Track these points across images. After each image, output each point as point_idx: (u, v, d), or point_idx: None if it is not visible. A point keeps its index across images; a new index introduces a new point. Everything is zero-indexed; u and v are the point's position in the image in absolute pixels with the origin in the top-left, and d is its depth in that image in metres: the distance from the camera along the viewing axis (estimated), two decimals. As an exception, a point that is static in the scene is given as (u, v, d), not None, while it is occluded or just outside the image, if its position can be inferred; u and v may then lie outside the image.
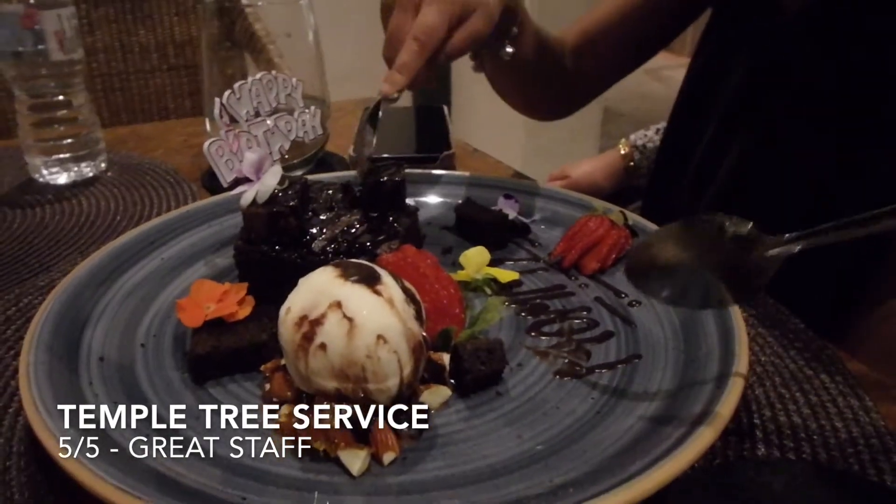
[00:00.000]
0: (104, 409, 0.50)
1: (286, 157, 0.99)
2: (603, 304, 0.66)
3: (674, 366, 0.55)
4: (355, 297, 0.46)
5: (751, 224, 0.48)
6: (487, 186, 0.83)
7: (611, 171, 1.41)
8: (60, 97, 0.93)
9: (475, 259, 0.67)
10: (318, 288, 0.48)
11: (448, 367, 0.53)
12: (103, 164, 1.02)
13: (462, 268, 0.68)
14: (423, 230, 0.77)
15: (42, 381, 0.50)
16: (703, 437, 0.45)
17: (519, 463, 0.47)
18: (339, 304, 0.46)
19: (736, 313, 0.57)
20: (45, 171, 0.98)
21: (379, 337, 0.46)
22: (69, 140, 0.96)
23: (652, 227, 0.73)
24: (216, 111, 0.59)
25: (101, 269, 0.65)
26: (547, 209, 0.80)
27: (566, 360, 0.58)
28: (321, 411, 0.46)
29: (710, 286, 0.53)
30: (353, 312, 0.46)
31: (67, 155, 0.97)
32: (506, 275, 0.67)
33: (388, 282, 0.48)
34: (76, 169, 0.99)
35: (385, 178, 0.66)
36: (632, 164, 1.40)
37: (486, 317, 0.58)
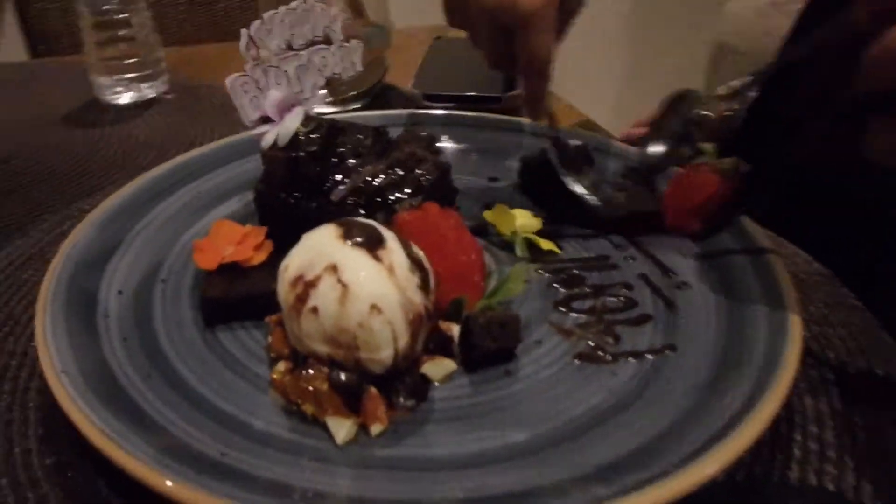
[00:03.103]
0: (113, 340, 0.50)
1: (342, 87, 0.97)
2: (647, 282, 0.60)
3: (710, 365, 0.50)
4: (353, 261, 0.44)
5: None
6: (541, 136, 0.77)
7: None
8: (123, 15, 0.93)
9: (508, 219, 0.63)
10: (317, 247, 0.45)
11: (457, 339, 0.50)
12: (165, 86, 1.03)
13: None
14: (470, 182, 0.73)
15: (57, 311, 0.51)
16: (726, 450, 0.41)
17: (509, 452, 0.43)
18: (334, 268, 0.43)
19: (792, 304, 0.51)
20: (107, 91, 0.99)
21: (373, 306, 0.43)
22: (131, 60, 0.97)
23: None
24: (242, 43, 0.56)
25: (134, 199, 0.65)
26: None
27: (590, 343, 0.53)
28: (312, 373, 0.44)
29: None
30: (348, 278, 0.43)
31: (129, 75, 0.98)
32: (545, 243, 0.63)
33: (391, 246, 0.45)
34: (138, 89, 1.00)
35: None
36: (729, 114, 1.28)
37: (508, 286, 0.54)
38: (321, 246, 0.45)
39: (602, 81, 2.57)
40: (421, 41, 1.19)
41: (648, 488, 0.38)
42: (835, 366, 0.54)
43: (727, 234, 0.62)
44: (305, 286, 0.44)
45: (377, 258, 0.44)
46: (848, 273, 0.64)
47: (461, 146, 0.80)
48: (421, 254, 0.48)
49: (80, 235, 0.59)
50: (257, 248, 0.56)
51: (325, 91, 0.95)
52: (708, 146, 0.68)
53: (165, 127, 0.93)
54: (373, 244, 0.45)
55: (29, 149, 0.87)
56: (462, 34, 0.72)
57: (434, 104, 0.93)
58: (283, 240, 0.55)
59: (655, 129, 0.68)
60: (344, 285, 0.43)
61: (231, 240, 0.57)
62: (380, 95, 1.00)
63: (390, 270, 0.44)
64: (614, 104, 2.59)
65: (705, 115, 0.61)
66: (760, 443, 0.45)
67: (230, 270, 0.55)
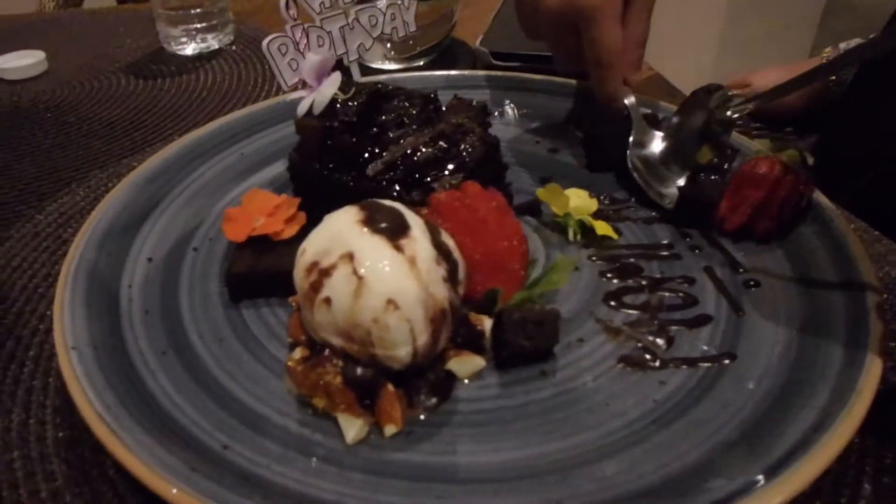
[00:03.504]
0: (134, 312, 0.49)
1: (410, 42, 0.92)
2: (712, 277, 0.54)
3: (772, 383, 0.44)
4: (371, 251, 0.40)
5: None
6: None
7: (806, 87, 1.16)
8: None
9: (562, 199, 0.57)
10: (335, 233, 0.42)
11: (488, 334, 0.46)
12: (230, 37, 1.01)
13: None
14: (528, 152, 0.68)
15: (80, 280, 0.50)
16: (779, 489, 0.35)
17: (530, 468, 0.39)
18: (351, 257, 0.40)
19: (877, 324, 0.44)
20: (173, 42, 0.98)
21: (389, 301, 0.39)
22: (196, 10, 0.95)
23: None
24: (282, 2, 0.52)
25: (175, 161, 0.64)
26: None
27: (639, 345, 0.48)
28: (325, 365, 0.41)
29: None
30: (364, 269, 0.39)
31: (195, 25, 0.96)
32: (601, 226, 0.57)
33: (415, 235, 0.41)
34: (202, 40, 0.98)
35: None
36: (834, 80, 1.15)
37: (552, 278, 0.49)
38: (339, 231, 0.41)
39: (699, 40, 2.40)
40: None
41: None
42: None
43: (811, 230, 0.55)
44: (320, 274, 0.40)
45: (398, 248, 0.40)
46: None
47: (523, 112, 0.75)
48: (450, 242, 0.44)
49: (113, 200, 0.58)
50: (289, 220, 0.53)
51: (388, 46, 0.91)
52: (760, 143, 0.63)
53: (227, 79, 0.91)
54: (395, 232, 0.41)
55: (88, 99, 0.87)
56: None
57: (502, 63, 0.87)
58: (318, 212, 0.52)
59: (676, 129, 0.64)
60: (359, 277, 0.39)
61: (263, 210, 0.54)
62: (446, 52, 0.94)
63: (412, 262, 0.40)
64: (715, 52, 2.41)
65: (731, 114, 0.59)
66: (825, 473, 0.39)
67: (259, 243, 0.53)
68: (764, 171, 0.55)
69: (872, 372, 0.41)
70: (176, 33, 0.97)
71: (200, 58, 0.97)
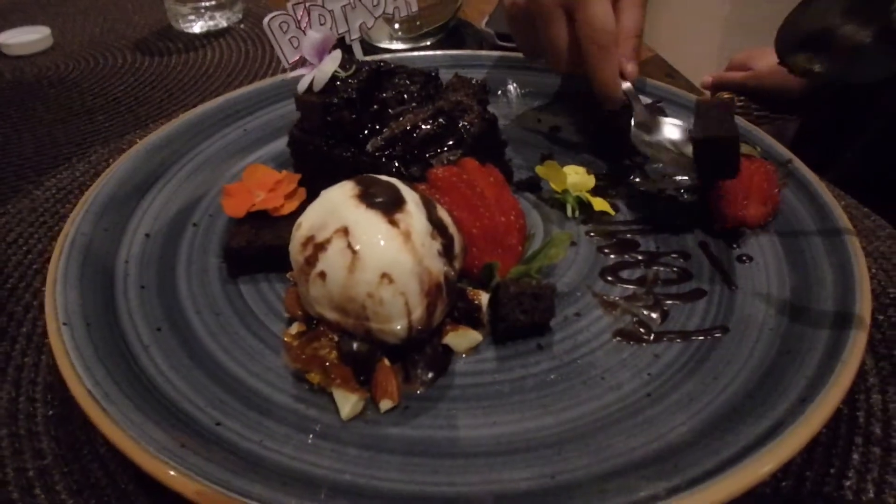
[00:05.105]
0: (130, 288, 0.49)
1: (418, 24, 0.92)
2: (707, 252, 0.54)
3: (763, 352, 0.45)
4: (366, 224, 0.40)
5: None
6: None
7: None
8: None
9: (560, 176, 0.58)
10: (331, 207, 0.42)
11: (485, 309, 0.46)
12: (239, 15, 1.01)
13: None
14: (530, 131, 0.68)
15: (75, 255, 0.50)
16: (768, 458, 0.36)
17: (527, 442, 0.40)
18: (346, 231, 0.40)
19: (864, 295, 0.45)
20: (181, 19, 0.98)
21: (384, 275, 0.39)
22: None
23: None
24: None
25: (177, 136, 0.64)
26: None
27: (634, 319, 0.48)
28: (321, 340, 0.42)
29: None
30: (358, 243, 0.40)
31: (204, 3, 0.96)
32: (598, 202, 0.57)
33: (410, 209, 0.41)
34: (211, 18, 0.98)
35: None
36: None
37: (549, 252, 0.50)
38: (335, 205, 0.42)
39: (703, 21, 2.36)
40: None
41: (674, 499, 0.34)
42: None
43: (803, 208, 0.55)
44: (315, 248, 0.41)
45: (393, 222, 0.40)
46: None
47: (526, 91, 0.74)
48: (447, 217, 0.44)
49: (112, 174, 0.58)
50: (289, 196, 0.53)
51: (395, 27, 0.91)
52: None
53: (234, 57, 0.91)
54: (390, 207, 0.41)
55: (93, 75, 0.87)
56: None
57: (507, 44, 0.87)
58: (318, 188, 0.53)
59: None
60: (354, 251, 0.39)
61: (263, 186, 0.54)
62: (453, 33, 0.94)
63: (406, 236, 0.40)
64: (722, 30, 2.36)
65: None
66: (815, 444, 0.40)
67: (259, 219, 0.53)
68: (751, 171, 0.55)
69: (858, 344, 0.42)
70: (185, 11, 0.97)
71: (208, 35, 0.97)
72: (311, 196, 0.52)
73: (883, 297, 0.51)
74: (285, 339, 0.44)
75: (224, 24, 0.99)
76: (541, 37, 0.62)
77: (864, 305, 0.44)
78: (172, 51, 0.93)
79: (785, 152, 0.60)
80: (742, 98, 1.08)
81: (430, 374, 0.44)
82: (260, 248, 0.51)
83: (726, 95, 1.08)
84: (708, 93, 1.09)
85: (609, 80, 0.60)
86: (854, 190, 0.62)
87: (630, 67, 0.61)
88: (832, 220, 0.52)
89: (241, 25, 0.99)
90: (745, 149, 0.56)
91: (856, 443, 0.43)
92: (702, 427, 0.40)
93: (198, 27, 0.98)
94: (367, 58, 0.60)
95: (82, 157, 0.69)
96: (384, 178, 0.44)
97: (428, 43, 0.92)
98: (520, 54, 0.76)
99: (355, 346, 0.42)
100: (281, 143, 0.65)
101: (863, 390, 0.45)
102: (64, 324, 0.43)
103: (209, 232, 0.56)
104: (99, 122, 0.77)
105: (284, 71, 0.56)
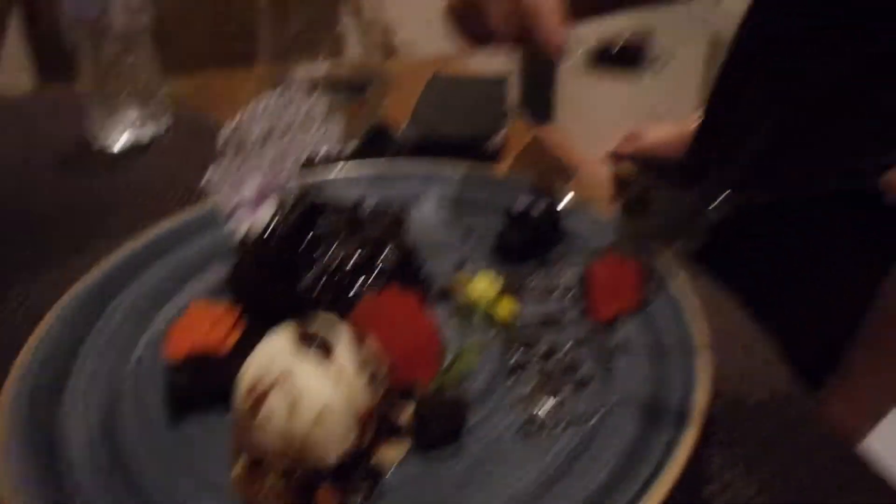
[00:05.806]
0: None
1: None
2: (589, 342, 0.64)
3: (637, 427, 0.54)
4: (300, 372, 0.49)
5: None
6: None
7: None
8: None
9: (468, 288, 0.67)
10: (271, 354, 0.50)
11: (408, 423, 0.55)
12: (165, 126, 1.02)
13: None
14: (447, 238, 0.78)
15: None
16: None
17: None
18: (283, 380, 0.48)
19: (704, 362, 0.56)
20: (102, 132, 0.98)
21: (321, 413, 0.48)
22: (128, 96, 0.96)
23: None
24: (220, 141, 0.61)
25: (99, 287, 0.68)
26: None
27: (536, 412, 0.58)
28: (265, 473, 0.50)
29: None
30: (296, 389, 0.48)
31: (126, 115, 0.97)
32: (503, 307, 0.67)
33: (341, 349, 0.50)
34: (135, 131, 0.99)
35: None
36: None
37: (462, 363, 0.59)
38: (274, 352, 0.50)
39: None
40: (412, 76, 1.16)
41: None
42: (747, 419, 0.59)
43: (661, 300, 0.65)
44: (256, 400, 0.49)
45: (326, 363, 0.49)
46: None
47: (444, 198, 0.83)
48: (374, 346, 0.53)
49: (35, 346, 0.61)
50: (228, 333, 0.59)
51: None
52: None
53: (159, 174, 0.92)
54: (323, 350, 0.50)
55: (10, 197, 0.86)
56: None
57: (427, 146, 0.96)
58: (257, 321, 0.60)
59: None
60: (291, 398, 0.48)
61: (203, 324, 0.59)
62: (374, 141, 1.00)
63: (339, 375, 0.49)
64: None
65: None
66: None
67: (198, 360, 0.58)
68: (620, 265, 0.66)
69: (699, 403, 0.53)
70: (106, 123, 0.97)
71: (133, 150, 0.98)
72: (252, 330, 0.60)
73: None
74: (232, 477, 0.51)
75: (149, 136, 1.00)
76: (487, 14, 0.73)
77: (701, 387, 0.54)
78: (95, 169, 0.94)
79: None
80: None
81: (365, 489, 0.52)
82: (201, 389, 0.57)
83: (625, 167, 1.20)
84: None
85: (558, 38, 0.72)
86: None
87: (559, 38, 0.72)
88: (680, 310, 0.63)
89: (169, 135, 1.01)
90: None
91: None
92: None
93: (119, 143, 0.99)
94: (296, 180, 0.67)
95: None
96: (319, 316, 0.53)
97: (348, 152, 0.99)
98: (429, 166, 0.86)
99: (297, 475, 0.49)
100: (217, 273, 0.71)
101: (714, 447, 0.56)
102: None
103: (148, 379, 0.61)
104: (7, 259, 0.76)
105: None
